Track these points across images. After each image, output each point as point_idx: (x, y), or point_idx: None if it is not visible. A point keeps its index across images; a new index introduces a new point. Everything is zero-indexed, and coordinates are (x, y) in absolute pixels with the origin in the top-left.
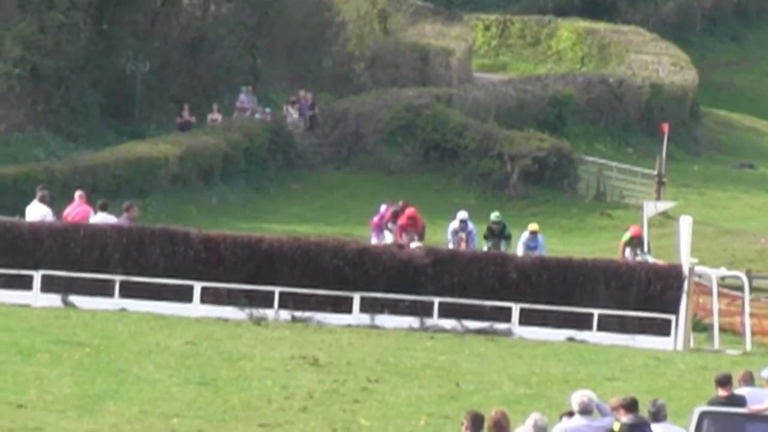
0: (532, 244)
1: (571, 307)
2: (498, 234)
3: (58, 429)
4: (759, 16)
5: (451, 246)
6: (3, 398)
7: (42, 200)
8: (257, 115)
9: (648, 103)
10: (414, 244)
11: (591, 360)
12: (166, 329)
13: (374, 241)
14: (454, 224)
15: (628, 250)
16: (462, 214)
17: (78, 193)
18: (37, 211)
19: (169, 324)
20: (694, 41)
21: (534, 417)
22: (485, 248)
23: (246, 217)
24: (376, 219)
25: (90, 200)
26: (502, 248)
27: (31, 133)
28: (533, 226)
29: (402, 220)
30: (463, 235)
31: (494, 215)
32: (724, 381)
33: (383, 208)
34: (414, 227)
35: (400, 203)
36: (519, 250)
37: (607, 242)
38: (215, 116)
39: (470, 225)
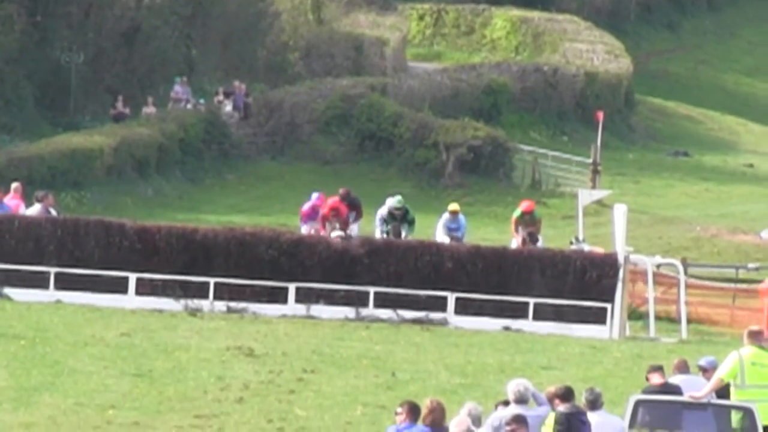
0: (453, 225)
1: (507, 296)
2: (400, 219)
3: None
4: (693, 4)
5: (378, 233)
6: None
7: None
8: (189, 106)
9: (583, 91)
10: (335, 233)
11: (527, 349)
12: (102, 321)
13: (304, 230)
14: (383, 211)
15: (520, 229)
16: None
17: (14, 186)
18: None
19: (105, 316)
20: (629, 29)
21: (468, 406)
22: (383, 232)
23: (181, 208)
24: (306, 208)
25: (25, 192)
26: (404, 233)
27: None
28: (453, 206)
29: (324, 210)
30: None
31: (396, 200)
32: (658, 368)
33: (315, 196)
34: (336, 217)
35: (341, 191)
36: (438, 233)
37: (542, 231)
38: (149, 110)
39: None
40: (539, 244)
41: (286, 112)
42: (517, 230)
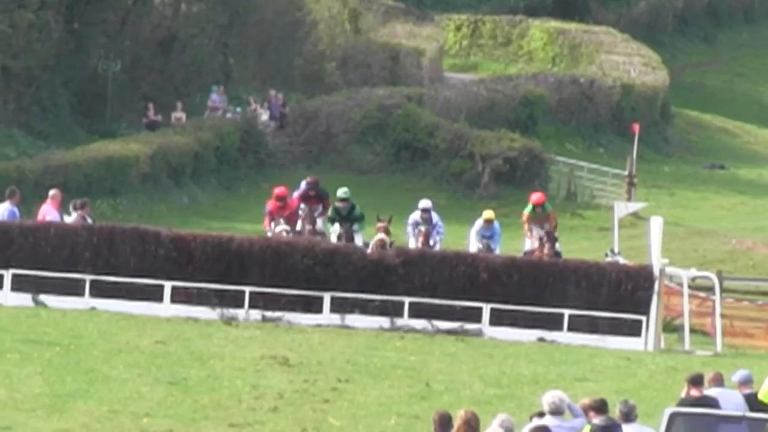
0: (487, 233)
1: (542, 308)
2: (346, 215)
3: (28, 428)
4: (730, 17)
5: (410, 239)
6: None
7: (10, 198)
8: (228, 115)
9: (619, 103)
10: (279, 227)
11: (561, 360)
12: (136, 329)
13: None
14: (415, 215)
15: (534, 229)
16: (424, 203)
17: (51, 193)
18: (7, 210)
19: (139, 323)
20: (666, 42)
21: (500, 417)
22: (333, 235)
23: (217, 217)
24: (295, 195)
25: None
26: (356, 237)
27: (2, 132)
28: (488, 214)
29: (271, 205)
30: (422, 228)
31: (342, 191)
32: (697, 381)
33: (303, 184)
34: (284, 210)
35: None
36: (472, 240)
37: (578, 242)
38: (179, 115)
39: (435, 216)
40: (557, 246)
41: (322, 121)
42: (530, 229)
